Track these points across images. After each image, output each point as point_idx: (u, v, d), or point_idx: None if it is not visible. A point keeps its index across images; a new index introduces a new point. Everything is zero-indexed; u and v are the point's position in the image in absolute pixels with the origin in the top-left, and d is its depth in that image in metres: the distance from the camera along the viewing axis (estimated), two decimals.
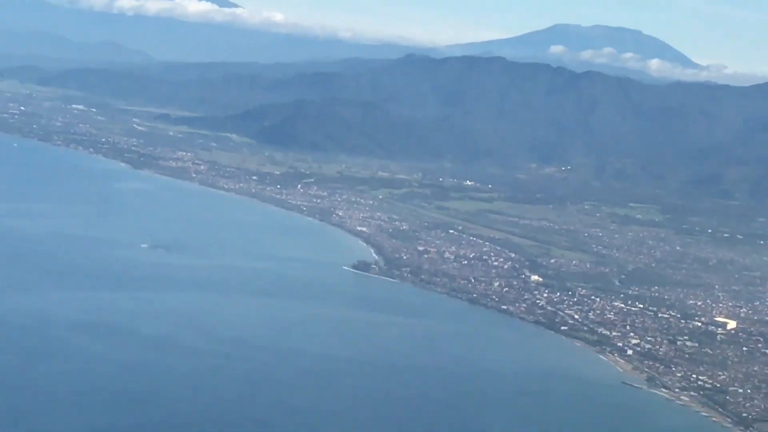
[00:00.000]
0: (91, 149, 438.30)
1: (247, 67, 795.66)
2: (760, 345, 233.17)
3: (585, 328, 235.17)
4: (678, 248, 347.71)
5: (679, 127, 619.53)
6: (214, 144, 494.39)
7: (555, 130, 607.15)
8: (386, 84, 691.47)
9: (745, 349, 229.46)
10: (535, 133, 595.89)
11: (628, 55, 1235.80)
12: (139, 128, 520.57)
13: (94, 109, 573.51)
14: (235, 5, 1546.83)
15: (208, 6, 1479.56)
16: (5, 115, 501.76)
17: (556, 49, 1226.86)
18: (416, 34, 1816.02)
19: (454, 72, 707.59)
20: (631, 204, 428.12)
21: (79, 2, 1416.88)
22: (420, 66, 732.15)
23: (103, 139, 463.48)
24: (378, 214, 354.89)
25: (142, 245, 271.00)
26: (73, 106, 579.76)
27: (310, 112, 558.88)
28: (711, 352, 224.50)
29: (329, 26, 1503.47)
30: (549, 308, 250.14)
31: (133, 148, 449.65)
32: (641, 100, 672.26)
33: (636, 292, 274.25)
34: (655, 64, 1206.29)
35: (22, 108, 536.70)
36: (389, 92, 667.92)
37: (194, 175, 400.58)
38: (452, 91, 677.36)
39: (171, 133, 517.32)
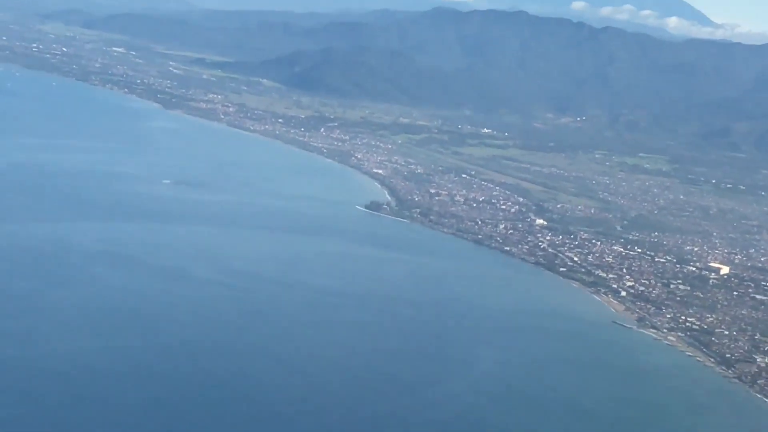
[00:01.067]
0: (126, 89, 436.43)
1: (282, 15, 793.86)
2: (750, 290, 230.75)
3: (583, 270, 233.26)
4: (681, 197, 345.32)
5: (692, 82, 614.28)
6: (245, 88, 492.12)
7: (572, 83, 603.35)
8: (413, 34, 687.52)
9: (735, 293, 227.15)
10: (553, 85, 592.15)
11: (647, 12, 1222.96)
12: (175, 71, 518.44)
13: (134, 52, 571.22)
14: None
15: None
16: (47, 56, 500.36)
17: (578, 5, 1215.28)
18: None
19: (478, 24, 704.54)
20: (640, 154, 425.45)
21: None
22: (446, 18, 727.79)
23: (139, 81, 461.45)
24: (395, 157, 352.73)
25: (164, 181, 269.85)
26: (114, 48, 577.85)
27: (338, 59, 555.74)
28: (702, 295, 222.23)
29: None
30: (550, 250, 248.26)
31: (166, 89, 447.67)
32: (657, 55, 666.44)
33: (636, 237, 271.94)
34: (673, 22, 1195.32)
35: (65, 49, 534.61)
36: (415, 42, 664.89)
37: (222, 117, 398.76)
38: (476, 43, 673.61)
39: (205, 77, 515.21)
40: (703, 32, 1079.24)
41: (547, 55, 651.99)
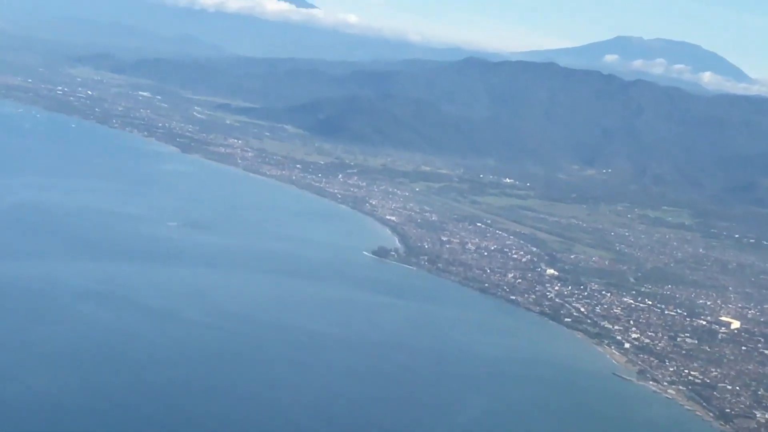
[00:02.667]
0: (146, 133, 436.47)
1: (311, 63, 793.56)
2: (759, 345, 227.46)
3: (588, 321, 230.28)
4: (701, 250, 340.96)
5: (721, 136, 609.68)
6: (268, 134, 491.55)
7: (600, 135, 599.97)
8: (441, 84, 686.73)
9: (744, 348, 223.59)
10: (580, 137, 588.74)
11: (680, 66, 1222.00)
12: (198, 116, 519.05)
13: (159, 97, 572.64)
14: (312, 6, 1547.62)
15: (286, 6, 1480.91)
16: (71, 98, 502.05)
17: (611, 58, 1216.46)
18: (483, 40, 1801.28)
19: (507, 75, 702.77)
20: (664, 207, 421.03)
21: None
22: (476, 68, 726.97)
23: (160, 124, 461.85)
24: (411, 204, 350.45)
25: (170, 223, 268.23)
26: (139, 93, 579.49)
27: (363, 106, 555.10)
28: (709, 349, 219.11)
29: (400, 29, 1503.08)
30: (557, 300, 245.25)
31: (187, 133, 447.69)
32: (687, 109, 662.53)
33: (648, 290, 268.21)
34: (707, 77, 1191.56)
35: (90, 92, 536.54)
36: (443, 92, 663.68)
37: (240, 161, 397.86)
38: (504, 93, 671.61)
39: (228, 122, 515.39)
40: (737, 88, 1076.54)
41: (576, 106, 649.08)
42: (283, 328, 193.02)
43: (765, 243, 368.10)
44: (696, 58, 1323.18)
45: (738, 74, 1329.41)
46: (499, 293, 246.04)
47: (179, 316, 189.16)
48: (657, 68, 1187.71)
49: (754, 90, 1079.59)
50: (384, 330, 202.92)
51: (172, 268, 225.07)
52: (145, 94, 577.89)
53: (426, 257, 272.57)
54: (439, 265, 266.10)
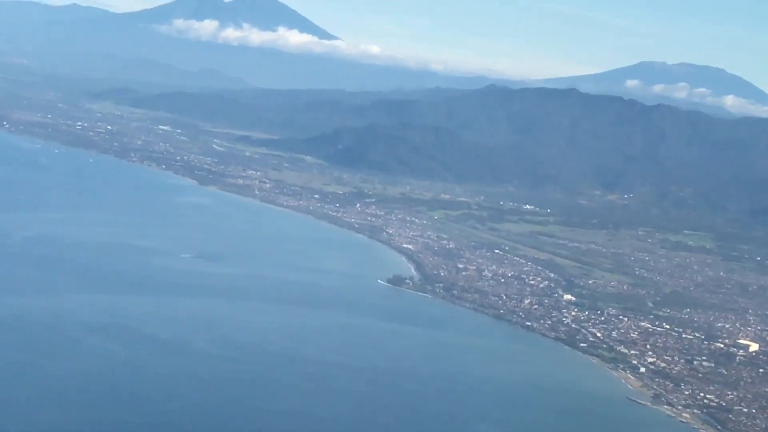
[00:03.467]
0: (164, 166, 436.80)
1: (332, 93, 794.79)
2: None
3: (604, 346, 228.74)
4: (721, 273, 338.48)
5: (743, 159, 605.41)
6: (287, 164, 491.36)
7: (621, 160, 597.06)
8: (462, 112, 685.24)
9: (761, 370, 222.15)
10: (602, 162, 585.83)
11: (702, 90, 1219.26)
12: (218, 148, 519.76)
13: (179, 130, 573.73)
14: (335, 37, 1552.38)
15: (309, 38, 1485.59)
16: (90, 133, 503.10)
17: (632, 83, 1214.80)
18: (506, 68, 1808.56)
19: (528, 102, 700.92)
20: (685, 231, 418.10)
21: (188, 33, 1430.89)
22: (497, 96, 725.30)
23: (178, 157, 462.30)
24: (428, 232, 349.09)
25: (183, 255, 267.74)
26: (159, 126, 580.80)
27: (382, 135, 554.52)
28: (726, 372, 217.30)
29: (423, 59, 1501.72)
30: (573, 326, 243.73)
31: (205, 166, 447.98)
32: (709, 133, 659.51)
33: (667, 314, 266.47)
34: (730, 100, 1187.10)
35: (109, 127, 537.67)
36: (464, 119, 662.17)
37: (257, 192, 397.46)
38: (525, 120, 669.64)
39: (247, 154, 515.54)
40: (761, 110, 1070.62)
41: (597, 132, 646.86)
42: (293, 357, 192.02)
43: None
44: (719, 82, 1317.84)
45: (762, 97, 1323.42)
46: (514, 319, 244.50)
47: (189, 347, 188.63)
48: (679, 92, 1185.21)
49: None
50: (395, 358, 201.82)
51: (183, 299, 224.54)
52: (165, 127, 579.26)
53: (441, 284, 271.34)
54: (455, 292, 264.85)
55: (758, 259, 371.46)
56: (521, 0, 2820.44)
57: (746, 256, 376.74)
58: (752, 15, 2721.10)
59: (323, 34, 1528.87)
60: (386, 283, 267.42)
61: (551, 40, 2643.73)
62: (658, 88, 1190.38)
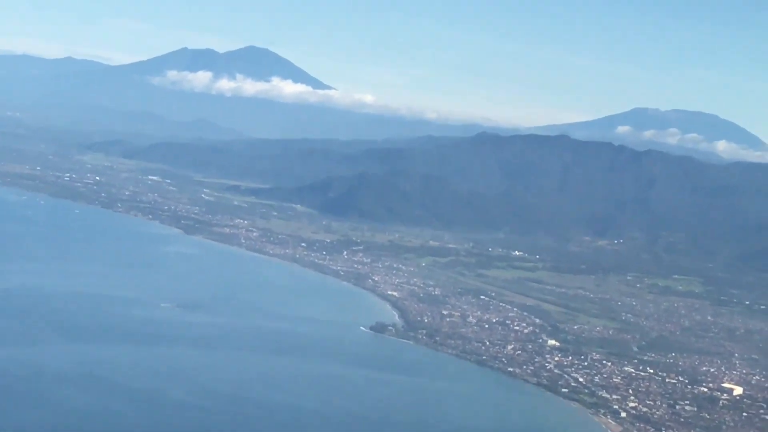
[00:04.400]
0: (150, 216, 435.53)
1: (324, 143, 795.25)
2: (761, 411, 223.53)
3: (586, 391, 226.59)
4: (709, 318, 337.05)
5: (734, 204, 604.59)
6: (276, 213, 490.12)
7: (612, 206, 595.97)
8: (453, 159, 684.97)
9: (744, 414, 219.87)
10: (593, 208, 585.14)
11: (693, 135, 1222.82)
12: (207, 198, 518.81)
13: (169, 180, 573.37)
14: (329, 87, 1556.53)
15: (303, 88, 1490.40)
16: (78, 184, 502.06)
17: (623, 129, 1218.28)
18: (500, 116, 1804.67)
19: (519, 149, 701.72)
20: (674, 276, 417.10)
21: (182, 84, 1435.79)
22: (488, 143, 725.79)
23: (166, 207, 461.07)
24: (415, 279, 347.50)
25: (163, 304, 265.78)
26: (149, 177, 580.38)
27: (372, 184, 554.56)
28: (708, 416, 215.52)
29: (417, 107, 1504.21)
30: (556, 371, 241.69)
31: (192, 215, 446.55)
32: (700, 178, 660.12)
33: (651, 358, 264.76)
34: (722, 145, 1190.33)
35: (98, 178, 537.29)
36: (455, 167, 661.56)
37: (243, 241, 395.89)
38: (516, 167, 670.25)
39: (236, 203, 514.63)
40: (753, 156, 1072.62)
41: (588, 178, 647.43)
42: (270, 406, 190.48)
43: None
44: (712, 128, 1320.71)
45: (755, 142, 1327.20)
46: (496, 365, 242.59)
47: (163, 397, 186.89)
48: (670, 138, 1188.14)
49: None
50: (373, 405, 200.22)
51: (160, 349, 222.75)
52: (154, 178, 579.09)
53: (424, 331, 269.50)
54: (437, 338, 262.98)
55: (747, 303, 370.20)
56: (515, 49, 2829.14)
57: (735, 300, 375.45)
58: (745, 61, 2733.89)
59: (317, 84, 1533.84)
60: (368, 330, 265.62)
61: (545, 88, 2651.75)
62: (648, 133, 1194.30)
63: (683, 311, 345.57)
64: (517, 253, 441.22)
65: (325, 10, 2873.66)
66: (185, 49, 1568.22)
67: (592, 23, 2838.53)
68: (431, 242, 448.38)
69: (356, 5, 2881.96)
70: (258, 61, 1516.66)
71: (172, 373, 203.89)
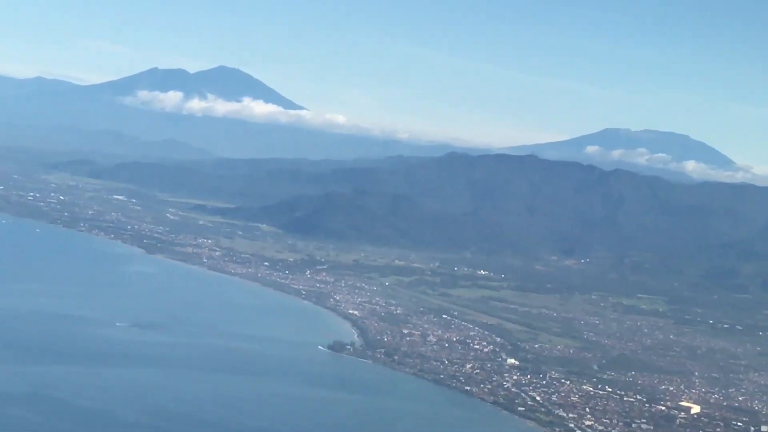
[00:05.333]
0: (112, 235, 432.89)
1: (294, 163, 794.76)
2: (718, 429, 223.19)
3: (542, 410, 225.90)
4: (671, 336, 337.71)
5: (702, 224, 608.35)
6: (240, 233, 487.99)
7: (580, 225, 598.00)
8: (422, 179, 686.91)
9: None
10: (561, 228, 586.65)
11: (662, 155, 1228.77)
12: (172, 217, 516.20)
13: (134, 200, 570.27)
14: (301, 107, 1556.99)
15: (274, 108, 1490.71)
16: (41, 204, 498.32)
17: (592, 149, 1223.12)
18: (473, 136, 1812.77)
19: (488, 169, 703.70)
20: (639, 295, 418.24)
21: (152, 104, 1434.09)
22: (457, 163, 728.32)
23: (129, 227, 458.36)
24: (377, 298, 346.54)
25: (118, 324, 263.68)
26: (114, 196, 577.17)
27: (339, 203, 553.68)
28: None
29: (389, 128, 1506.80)
30: (513, 390, 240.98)
31: (155, 235, 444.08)
32: (668, 198, 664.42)
33: (611, 377, 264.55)
34: (691, 165, 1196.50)
35: (62, 197, 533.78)
36: (423, 187, 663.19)
37: (205, 260, 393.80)
38: (485, 187, 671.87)
39: (201, 222, 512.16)
40: (723, 175, 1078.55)
41: (556, 198, 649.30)
42: (221, 425, 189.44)
43: (739, 328, 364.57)
44: (683, 148, 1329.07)
45: (725, 162, 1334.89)
46: (453, 384, 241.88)
47: (115, 418, 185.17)
48: (639, 158, 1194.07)
49: (738, 177, 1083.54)
50: (326, 425, 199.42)
51: (112, 368, 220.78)
52: (120, 197, 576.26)
53: (383, 350, 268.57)
54: (396, 357, 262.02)
55: (711, 322, 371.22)
56: (489, 69, 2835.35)
57: (699, 319, 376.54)
58: (717, 83, 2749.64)
59: (289, 104, 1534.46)
60: (326, 350, 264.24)
61: (518, 109, 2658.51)
62: (617, 153, 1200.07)
63: (646, 330, 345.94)
64: (482, 272, 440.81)
65: (297, 31, 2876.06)
66: (156, 68, 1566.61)
67: (566, 45, 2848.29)
68: (397, 261, 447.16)
69: (329, 26, 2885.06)
70: (229, 81, 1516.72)
71: (123, 392, 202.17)
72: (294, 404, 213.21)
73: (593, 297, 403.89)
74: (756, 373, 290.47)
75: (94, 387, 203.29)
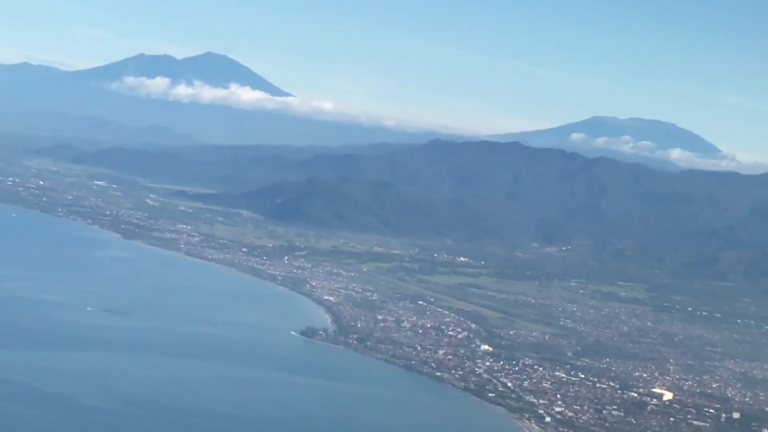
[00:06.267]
0: (90, 220, 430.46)
1: (277, 149, 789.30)
2: (689, 416, 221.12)
3: (513, 396, 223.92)
4: (648, 324, 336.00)
5: (685, 211, 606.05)
6: (221, 219, 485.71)
7: (563, 213, 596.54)
8: (405, 166, 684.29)
9: (671, 419, 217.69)
10: (543, 215, 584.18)
11: (646, 143, 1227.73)
12: (151, 203, 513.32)
13: (115, 186, 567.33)
14: (288, 94, 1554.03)
15: (261, 95, 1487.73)
16: (20, 189, 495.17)
17: (577, 136, 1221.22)
18: (460, 124, 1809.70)
19: (471, 156, 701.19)
20: (619, 282, 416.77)
21: (138, 90, 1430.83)
22: (440, 150, 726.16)
23: (108, 212, 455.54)
24: (353, 285, 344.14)
25: (88, 308, 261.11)
26: (95, 182, 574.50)
27: (321, 189, 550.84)
28: (635, 421, 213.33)
29: (376, 115, 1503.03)
30: (485, 376, 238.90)
31: (134, 220, 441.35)
32: (651, 185, 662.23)
33: (584, 363, 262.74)
34: (676, 153, 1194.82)
35: (41, 182, 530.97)
36: (406, 174, 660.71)
37: (182, 246, 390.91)
38: (467, 174, 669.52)
39: (181, 208, 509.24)
40: (708, 164, 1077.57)
41: (539, 185, 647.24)
42: (184, 410, 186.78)
43: (718, 315, 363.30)
44: (668, 136, 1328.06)
45: (711, 150, 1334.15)
46: (424, 370, 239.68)
47: (74, 401, 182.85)
48: (623, 146, 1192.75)
49: (723, 165, 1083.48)
50: (292, 409, 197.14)
51: (78, 353, 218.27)
52: (100, 183, 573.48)
53: (356, 336, 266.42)
54: (368, 343, 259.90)
55: (689, 309, 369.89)
56: (476, 58, 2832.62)
57: (677, 306, 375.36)
58: (704, 71, 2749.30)
59: (275, 91, 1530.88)
60: (298, 335, 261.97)
61: (505, 97, 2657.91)
62: (601, 141, 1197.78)
63: (623, 317, 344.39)
64: (462, 259, 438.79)
65: (284, 17, 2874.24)
66: (142, 55, 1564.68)
67: (554, 34, 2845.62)
68: (376, 248, 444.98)
69: (316, 13, 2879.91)
70: (216, 68, 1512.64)
71: (87, 377, 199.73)
72: (258, 388, 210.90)
73: (572, 284, 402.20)
74: (732, 361, 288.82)
75: (55, 372, 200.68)
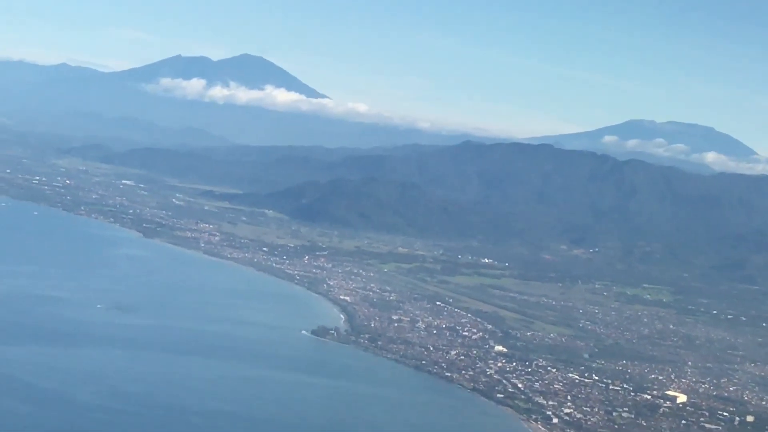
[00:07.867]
0: (112, 219, 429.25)
1: (307, 150, 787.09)
2: (702, 419, 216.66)
3: (522, 397, 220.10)
4: (670, 326, 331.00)
5: (715, 215, 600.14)
6: (245, 218, 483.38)
7: (591, 215, 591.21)
8: (433, 167, 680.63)
9: (683, 422, 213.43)
10: (571, 217, 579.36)
11: (680, 146, 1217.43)
12: (177, 202, 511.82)
13: (142, 185, 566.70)
14: (323, 96, 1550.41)
15: (296, 96, 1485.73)
16: (45, 187, 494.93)
17: (610, 139, 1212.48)
18: (494, 126, 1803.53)
19: (501, 158, 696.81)
20: (644, 285, 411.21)
21: (174, 91, 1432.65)
22: (469, 151, 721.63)
23: (131, 211, 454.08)
24: (372, 285, 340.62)
25: (98, 306, 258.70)
26: (122, 181, 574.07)
27: (347, 190, 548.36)
28: (645, 424, 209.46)
29: (410, 117, 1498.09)
30: (496, 377, 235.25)
31: (156, 219, 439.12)
32: (681, 188, 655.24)
33: (600, 365, 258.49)
34: (710, 157, 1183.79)
35: (68, 181, 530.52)
36: (434, 175, 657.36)
37: (202, 245, 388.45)
38: (496, 176, 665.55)
39: (206, 208, 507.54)
40: (743, 167, 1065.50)
41: (568, 187, 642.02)
42: (181, 408, 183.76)
43: (743, 319, 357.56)
44: (706, 140, 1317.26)
45: (747, 153, 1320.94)
46: (434, 370, 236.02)
47: (70, 398, 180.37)
48: (657, 149, 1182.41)
49: (758, 169, 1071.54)
50: (294, 408, 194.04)
51: (81, 350, 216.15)
52: (128, 182, 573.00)
53: (367, 336, 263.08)
54: (380, 343, 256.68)
55: (714, 312, 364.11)
56: (513, 60, 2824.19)
57: (702, 309, 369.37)
58: (742, 74, 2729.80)
59: (311, 93, 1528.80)
60: (309, 334, 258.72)
61: (542, 101, 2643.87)
62: (633, 143, 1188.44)
63: (645, 320, 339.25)
64: (486, 260, 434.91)
65: (320, 19, 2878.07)
66: (179, 56, 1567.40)
67: (592, 37, 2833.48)
68: (400, 249, 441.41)
69: (353, 15, 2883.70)
70: (252, 69, 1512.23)
71: (87, 374, 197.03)
72: (263, 387, 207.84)
73: (597, 286, 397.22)
74: (752, 364, 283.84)
75: (56, 368, 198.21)
